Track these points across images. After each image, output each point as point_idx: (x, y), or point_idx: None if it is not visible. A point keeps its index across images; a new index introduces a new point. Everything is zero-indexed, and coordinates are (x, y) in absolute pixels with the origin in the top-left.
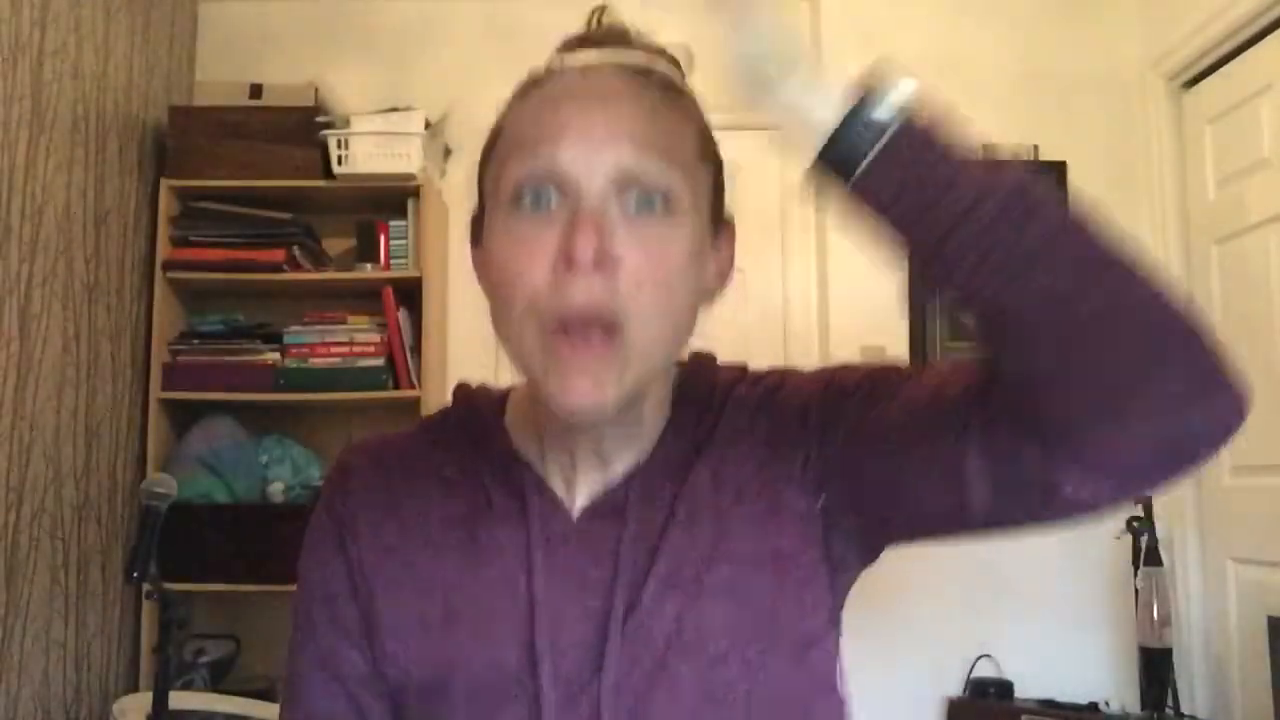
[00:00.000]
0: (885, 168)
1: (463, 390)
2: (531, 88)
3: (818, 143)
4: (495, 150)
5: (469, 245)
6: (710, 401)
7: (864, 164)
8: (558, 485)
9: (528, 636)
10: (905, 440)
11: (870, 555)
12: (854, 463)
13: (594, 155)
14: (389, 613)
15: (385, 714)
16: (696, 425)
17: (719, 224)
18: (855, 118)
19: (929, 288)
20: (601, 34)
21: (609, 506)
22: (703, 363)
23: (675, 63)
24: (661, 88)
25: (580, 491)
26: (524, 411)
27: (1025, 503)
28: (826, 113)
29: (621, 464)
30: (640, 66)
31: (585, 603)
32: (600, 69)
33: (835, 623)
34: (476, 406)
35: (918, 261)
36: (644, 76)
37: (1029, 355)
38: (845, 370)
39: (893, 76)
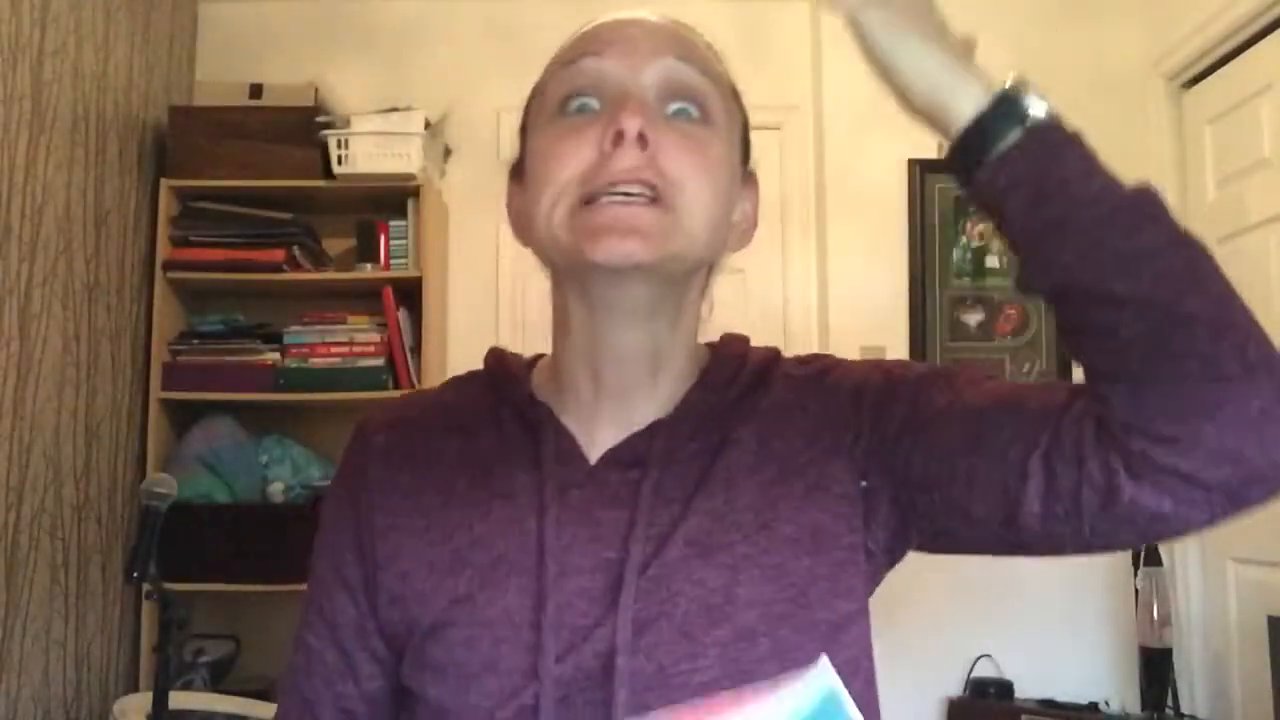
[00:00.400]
0: (1029, 151)
1: (494, 352)
2: (567, 46)
3: (960, 121)
4: (538, 92)
5: (506, 191)
6: (741, 372)
7: (1005, 144)
8: (578, 434)
9: (534, 583)
10: (968, 441)
11: (894, 555)
12: (905, 454)
13: (638, 64)
14: (398, 557)
15: (374, 666)
16: (729, 389)
17: (746, 167)
18: (1003, 105)
19: (1037, 273)
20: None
21: (630, 455)
22: (736, 337)
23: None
24: (705, 41)
25: (601, 441)
26: (550, 370)
27: (1082, 508)
28: (969, 95)
29: (643, 418)
30: (678, 23)
31: (599, 553)
32: (636, 17)
33: (866, 610)
34: (505, 362)
35: (1035, 242)
36: (687, 27)
37: (1120, 354)
38: (904, 364)
39: (1032, 87)
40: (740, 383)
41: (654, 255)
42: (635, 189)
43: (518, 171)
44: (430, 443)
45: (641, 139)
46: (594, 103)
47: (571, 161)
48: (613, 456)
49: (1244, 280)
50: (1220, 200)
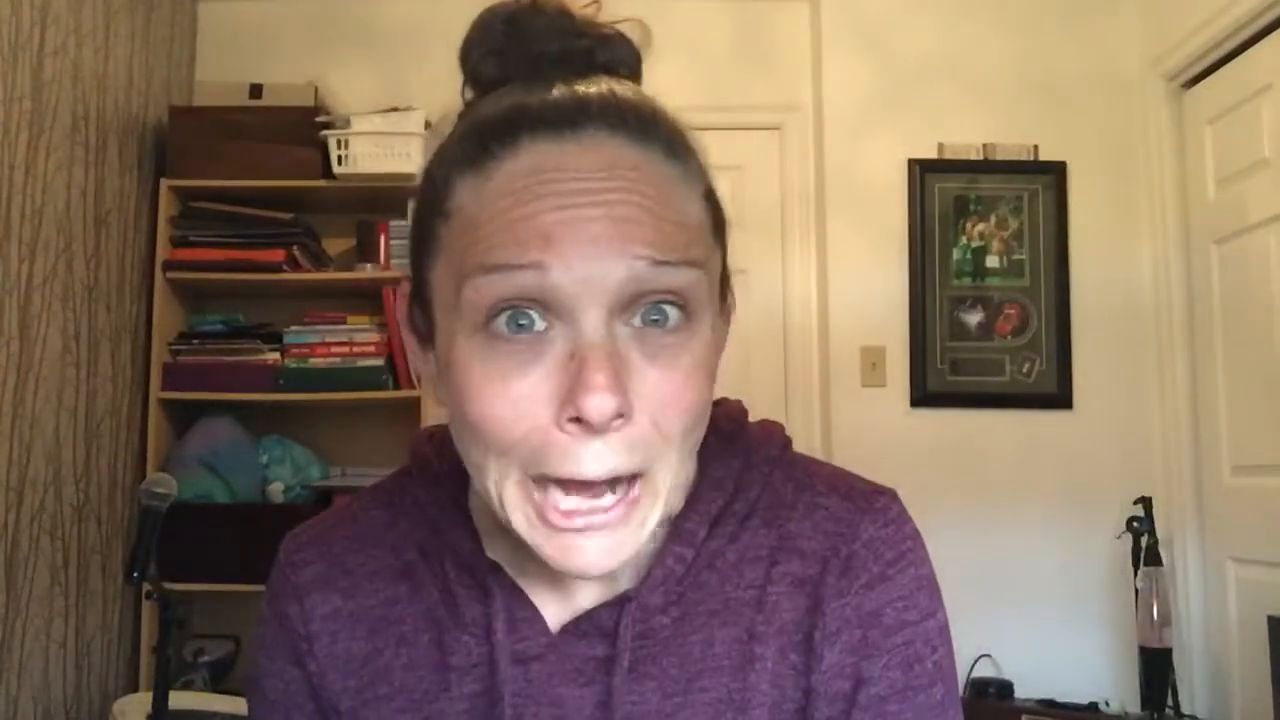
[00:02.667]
0: None
1: (419, 454)
2: (486, 152)
3: None
4: (440, 235)
5: (403, 327)
6: (731, 505)
7: None
8: (534, 587)
9: None
10: None
11: None
12: None
13: (595, 271)
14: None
15: None
16: (709, 538)
17: (724, 292)
18: None
19: None
20: (539, 19)
21: (594, 629)
22: (730, 419)
23: (638, 59)
24: (666, 146)
25: (561, 591)
26: (490, 522)
27: None
28: None
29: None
30: (636, 112)
31: None
32: (580, 121)
33: None
34: (435, 480)
35: None
36: (644, 133)
37: None
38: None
39: None
40: (724, 527)
41: (635, 545)
42: (607, 493)
43: (419, 327)
44: (376, 586)
45: (617, 412)
46: (536, 320)
47: (514, 420)
48: (575, 628)
49: (1244, 280)
50: (1220, 200)
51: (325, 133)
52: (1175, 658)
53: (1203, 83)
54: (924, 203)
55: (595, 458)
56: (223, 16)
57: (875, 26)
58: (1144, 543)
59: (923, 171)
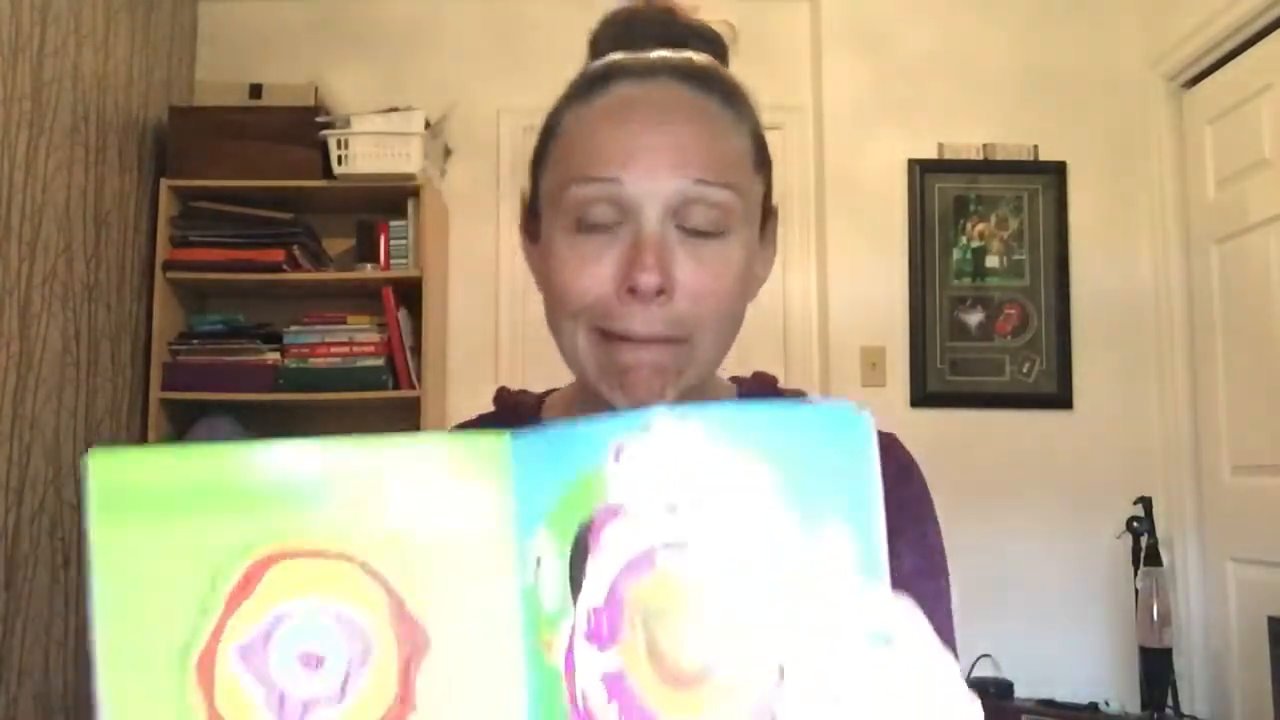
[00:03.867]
0: None
1: (502, 393)
2: (590, 89)
3: None
4: (552, 151)
5: (520, 230)
6: None
7: None
8: None
9: None
10: None
11: None
12: None
13: (657, 183)
14: None
15: None
16: None
17: (766, 220)
18: None
19: None
20: (650, 15)
21: None
22: (765, 382)
23: (722, 47)
24: (722, 96)
25: None
26: (565, 409)
27: None
28: None
29: None
30: (702, 71)
31: None
32: (659, 72)
33: None
34: (515, 405)
35: None
36: (705, 85)
37: None
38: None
39: None
40: None
41: (677, 389)
42: (652, 336)
43: (528, 222)
44: None
45: (660, 287)
46: (610, 215)
47: (589, 288)
48: None
49: (1244, 280)
50: (1220, 200)
51: (325, 133)
52: (1175, 658)
53: (1203, 83)
54: (924, 203)
55: (643, 320)
56: (223, 16)
57: (875, 26)
58: (1144, 543)
59: (923, 171)
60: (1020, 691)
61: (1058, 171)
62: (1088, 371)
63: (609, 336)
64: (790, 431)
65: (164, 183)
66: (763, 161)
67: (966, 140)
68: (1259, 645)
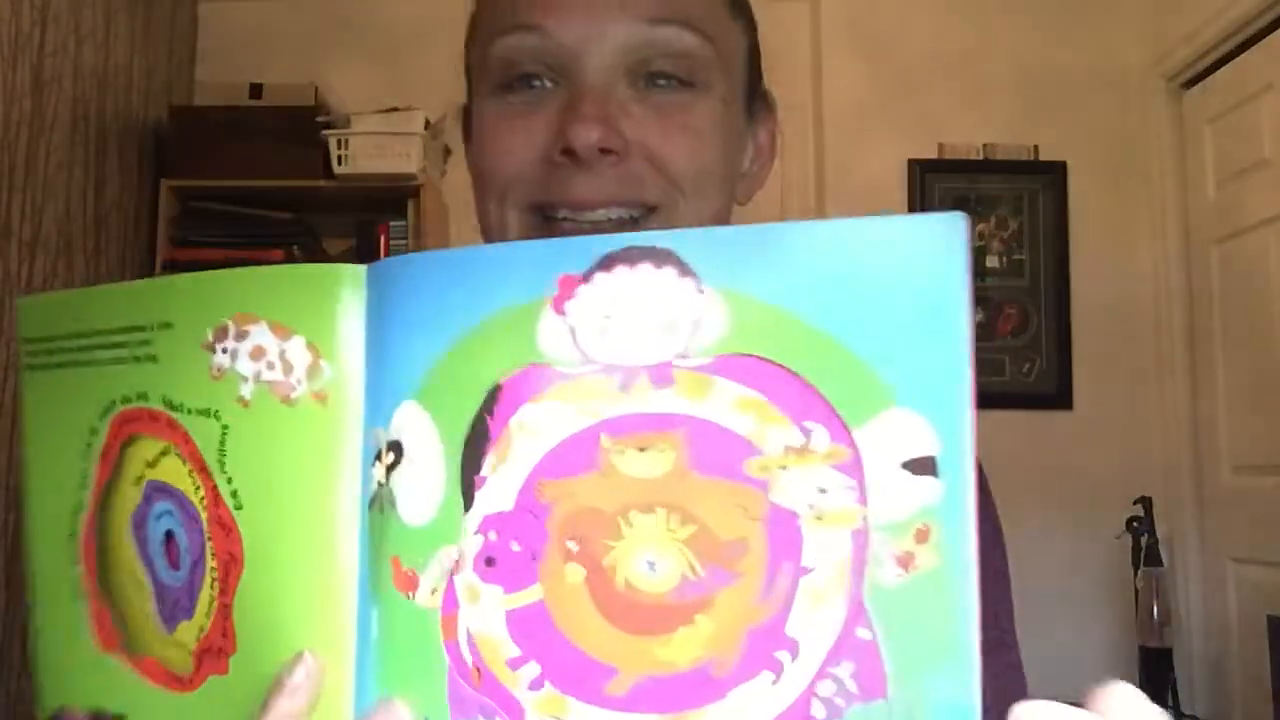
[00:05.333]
0: None
1: None
2: None
3: None
4: (479, 24)
5: (463, 139)
6: None
7: None
8: None
9: None
10: None
11: None
12: None
13: (597, 25)
14: None
15: None
16: None
17: (755, 99)
18: None
19: None
20: None
21: None
22: None
23: None
24: None
25: None
26: None
27: None
28: None
29: None
30: None
31: None
32: None
33: None
34: None
35: None
36: None
37: None
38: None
39: None
40: None
41: None
42: (601, 214)
43: (468, 127)
44: None
45: (603, 142)
46: (543, 70)
47: (515, 153)
48: None
49: (1244, 280)
50: (1220, 200)
51: (325, 133)
52: (1175, 658)
53: (1203, 83)
54: (924, 203)
55: (587, 184)
56: (223, 16)
57: (875, 26)
58: (1144, 543)
59: (923, 171)
60: None
61: (1058, 171)
62: (1088, 371)
63: (551, 219)
64: (842, 267)
65: (164, 183)
66: (740, 9)
67: (966, 140)
68: (1259, 645)
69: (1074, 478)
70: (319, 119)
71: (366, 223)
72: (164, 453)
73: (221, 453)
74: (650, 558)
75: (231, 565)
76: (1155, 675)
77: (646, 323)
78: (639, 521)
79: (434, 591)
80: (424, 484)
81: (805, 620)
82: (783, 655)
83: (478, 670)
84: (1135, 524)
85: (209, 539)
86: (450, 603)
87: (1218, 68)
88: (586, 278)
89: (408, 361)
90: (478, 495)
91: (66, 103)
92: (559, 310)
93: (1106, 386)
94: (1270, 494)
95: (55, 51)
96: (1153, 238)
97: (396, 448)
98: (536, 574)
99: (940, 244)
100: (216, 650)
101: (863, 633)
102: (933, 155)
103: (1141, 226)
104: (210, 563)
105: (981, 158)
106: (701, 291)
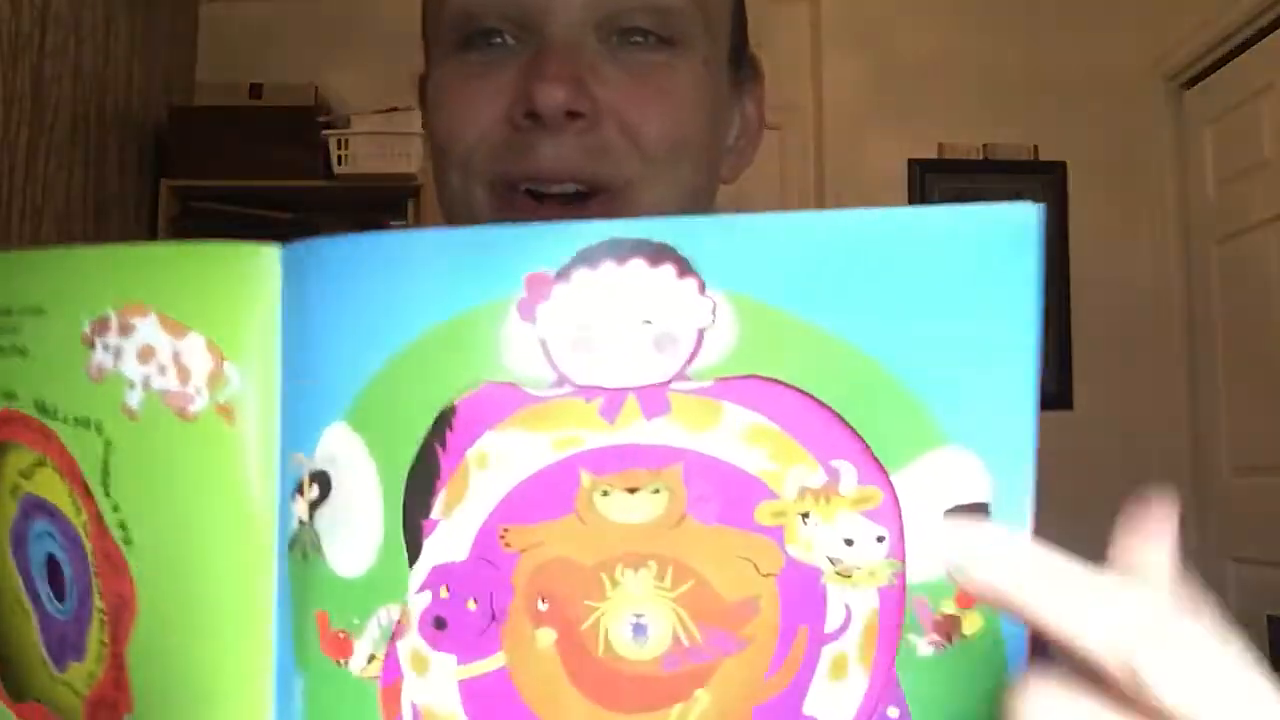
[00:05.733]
0: None
1: None
2: None
3: None
4: None
5: (421, 109)
6: None
7: None
8: None
9: None
10: None
11: None
12: None
13: None
14: None
15: None
16: None
17: (742, 64)
18: None
19: None
20: None
21: None
22: None
23: None
24: None
25: None
26: None
27: None
28: None
29: None
30: None
31: None
32: None
33: None
34: None
35: None
36: None
37: None
38: None
39: None
40: None
41: None
42: (569, 187)
43: (424, 95)
44: None
45: (571, 102)
46: (506, 27)
47: (475, 117)
48: None
49: (1244, 280)
50: (1220, 200)
51: (325, 133)
52: None
53: (1203, 83)
54: (924, 203)
55: (552, 153)
56: (223, 16)
57: (875, 26)
58: None
59: (923, 171)
60: None
61: (1058, 171)
62: (1088, 371)
63: (514, 191)
64: (883, 268)
65: (164, 182)
66: None
67: (966, 140)
68: (1259, 645)
69: (1074, 478)
70: (319, 119)
71: (366, 223)
72: (39, 464)
73: (105, 474)
74: (637, 620)
75: (122, 608)
76: None
77: (637, 334)
78: (625, 577)
79: (372, 659)
80: (357, 526)
81: (825, 696)
82: None
83: None
84: None
85: (96, 575)
86: (392, 671)
87: (1218, 68)
88: (563, 275)
89: (336, 372)
90: (425, 542)
91: (66, 103)
92: (527, 316)
93: (1106, 386)
94: (1270, 494)
95: (55, 51)
96: (1153, 238)
97: (322, 479)
98: (498, 639)
99: (1008, 241)
100: (110, 704)
101: (892, 711)
102: (933, 155)
103: (1141, 226)
104: (98, 601)
105: (981, 158)
106: (706, 296)
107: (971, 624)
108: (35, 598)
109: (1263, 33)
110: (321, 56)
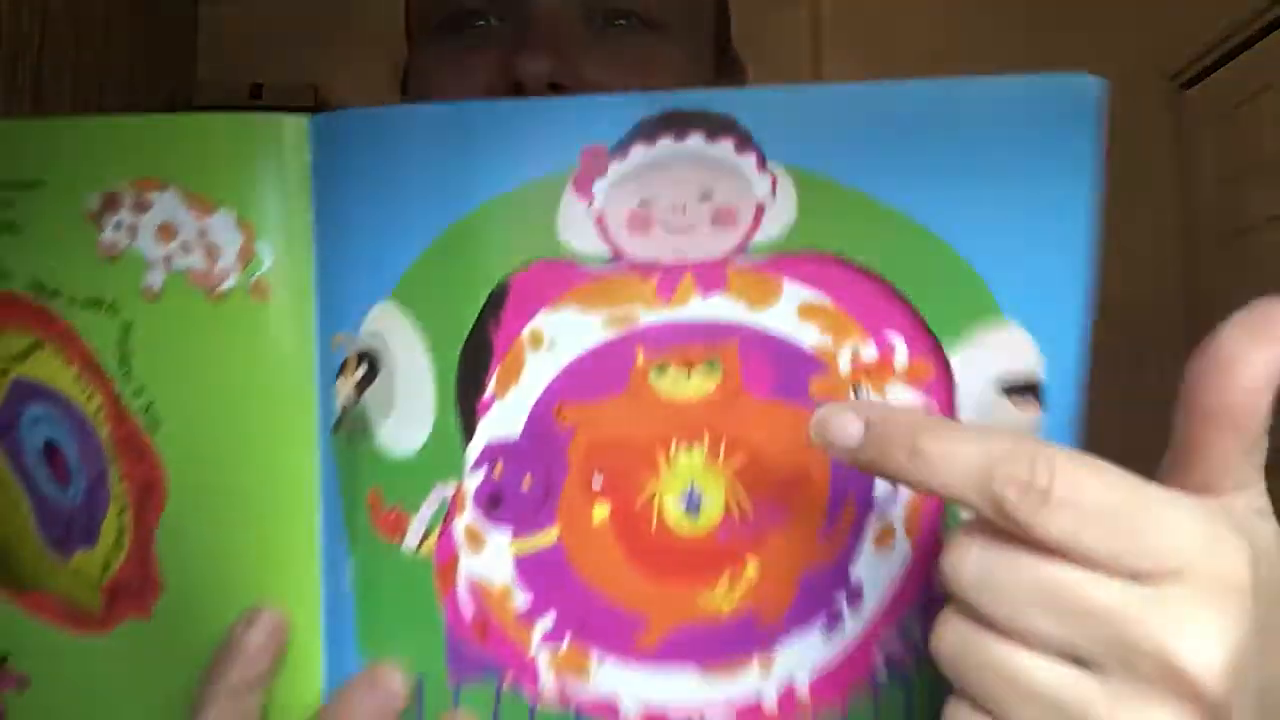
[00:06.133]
0: None
1: None
2: None
3: None
4: None
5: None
6: None
7: None
8: None
9: None
10: None
11: None
12: None
13: None
14: None
15: None
16: None
17: (724, 62)
18: None
19: None
20: None
21: None
22: None
23: None
24: None
25: None
26: None
27: None
28: None
29: None
30: None
31: None
32: None
33: None
34: None
35: None
36: None
37: None
38: None
39: None
40: None
41: None
42: None
43: (407, 83)
44: None
45: (555, 78)
46: (487, 17)
47: (458, 97)
48: None
49: (1244, 280)
50: (1220, 200)
51: None
52: None
53: (1203, 83)
54: None
55: None
56: (223, 16)
57: (875, 26)
58: None
59: None
60: None
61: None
62: (1087, 371)
63: None
64: (945, 141)
65: None
66: None
67: None
68: None
69: None
70: None
71: None
72: (35, 347)
73: (123, 357)
74: (691, 494)
75: (149, 493)
76: None
77: (695, 209)
78: (679, 452)
79: (426, 536)
80: (409, 405)
81: (871, 563)
82: (841, 601)
83: (482, 625)
84: None
85: (113, 460)
86: (447, 548)
87: (1218, 68)
88: (620, 150)
89: (380, 250)
90: (480, 421)
91: (66, 103)
92: (582, 191)
93: (1106, 386)
94: (1270, 494)
95: (55, 52)
96: (1153, 238)
97: (369, 358)
98: (553, 514)
99: (1069, 113)
100: (135, 590)
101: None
102: None
103: (1142, 226)
104: (116, 487)
105: None
106: (766, 170)
107: None
108: (31, 486)
109: (1263, 33)
110: (321, 56)
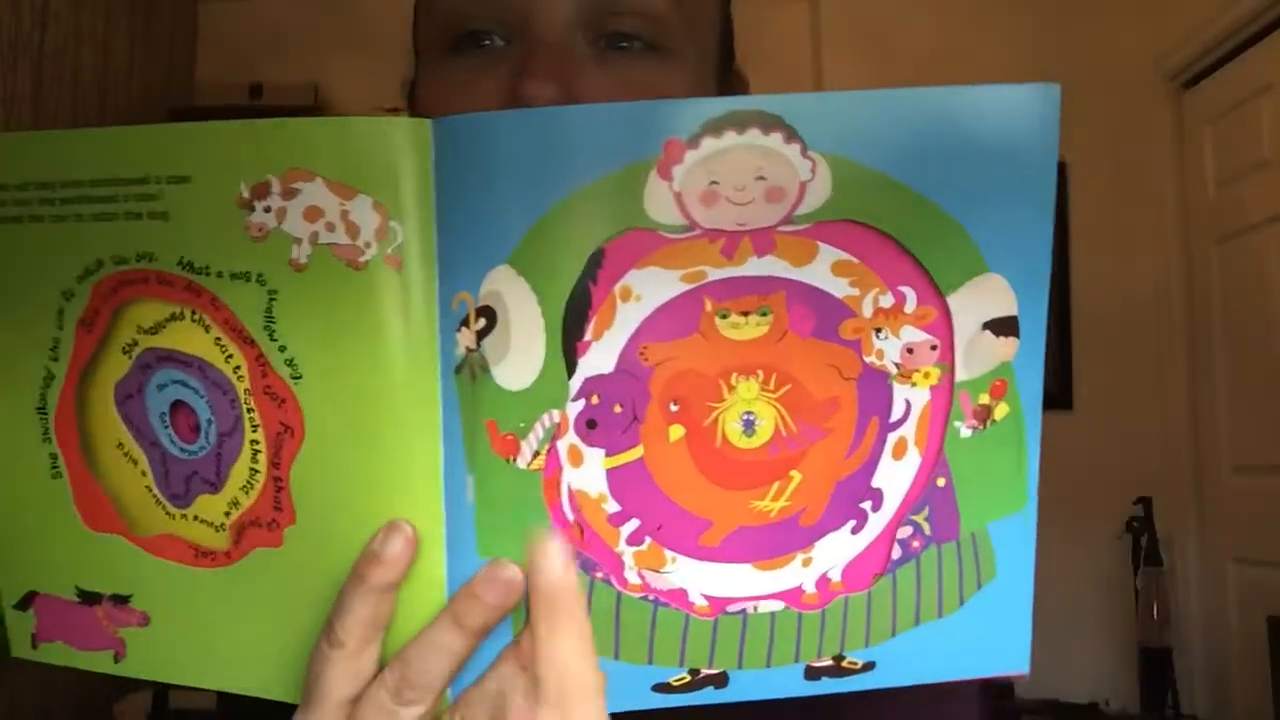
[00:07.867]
0: None
1: None
2: None
3: None
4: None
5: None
6: None
7: None
8: None
9: None
10: None
11: None
12: None
13: None
14: None
15: None
16: None
17: (727, 81)
18: None
19: None
20: None
21: None
22: None
23: None
24: None
25: None
26: None
27: None
28: None
29: None
30: None
31: None
32: None
33: None
34: None
35: None
36: None
37: None
38: None
39: None
40: None
41: None
42: None
43: (411, 100)
44: None
45: (561, 101)
46: (494, 28)
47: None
48: None
49: (1244, 280)
50: (1220, 200)
51: None
52: (1175, 658)
53: (1203, 83)
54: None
55: None
56: (223, 16)
57: (875, 26)
58: (1144, 543)
59: None
60: (1020, 691)
61: (1058, 171)
62: (1088, 371)
63: None
64: (944, 132)
65: None
66: None
67: None
68: (1259, 645)
69: (1074, 478)
70: None
71: None
72: (173, 317)
73: (269, 319)
74: (747, 416)
75: (286, 437)
76: (1155, 675)
77: (752, 187)
78: (738, 382)
79: (536, 455)
80: (522, 349)
81: (889, 472)
82: (866, 504)
83: (580, 527)
84: (1135, 524)
85: (250, 410)
86: (553, 464)
87: (1218, 68)
88: (693, 143)
89: (496, 224)
90: (580, 360)
91: (66, 103)
92: (665, 174)
93: (1106, 386)
94: (1270, 494)
95: (55, 52)
96: (1153, 238)
97: (488, 312)
98: (638, 435)
99: (1036, 113)
100: (267, 523)
101: (940, 481)
102: None
103: (1142, 226)
104: (250, 435)
105: None
106: (807, 156)
107: (1001, 410)
108: (151, 445)
109: (1263, 33)
110: (321, 56)
